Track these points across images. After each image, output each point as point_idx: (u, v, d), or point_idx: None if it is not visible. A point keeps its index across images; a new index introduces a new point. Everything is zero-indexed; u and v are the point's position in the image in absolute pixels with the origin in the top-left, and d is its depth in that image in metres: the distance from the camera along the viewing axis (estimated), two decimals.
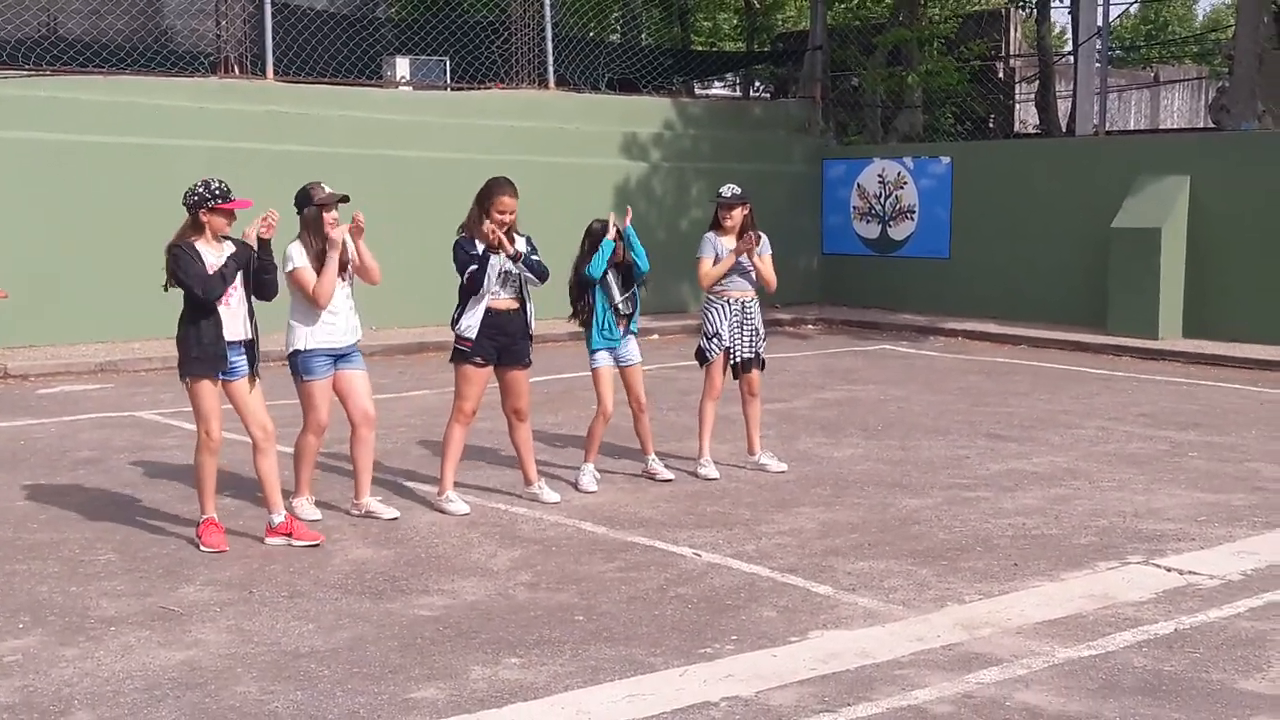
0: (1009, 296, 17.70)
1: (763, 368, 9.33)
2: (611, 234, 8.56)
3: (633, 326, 8.86)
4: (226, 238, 7.27)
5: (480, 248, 7.94)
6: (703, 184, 19.10)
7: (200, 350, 7.14)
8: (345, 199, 7.74)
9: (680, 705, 5.17)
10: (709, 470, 9.07)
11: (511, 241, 7.97)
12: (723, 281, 9.07)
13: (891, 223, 19.40)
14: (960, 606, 6.37)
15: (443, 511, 8.11)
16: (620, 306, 8.67)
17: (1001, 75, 27.09)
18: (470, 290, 7.96)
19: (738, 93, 29.35)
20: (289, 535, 7.37)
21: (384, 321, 15.20)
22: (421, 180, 16.58)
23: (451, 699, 5.22)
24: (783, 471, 9.19)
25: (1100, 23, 19.08)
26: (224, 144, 15.36)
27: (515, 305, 8.09)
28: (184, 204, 7.19)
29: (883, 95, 22.67)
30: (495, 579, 6.80)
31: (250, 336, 7.31)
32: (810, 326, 18.45)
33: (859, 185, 19.83)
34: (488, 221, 7.91)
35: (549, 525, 7.84)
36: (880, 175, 19.55)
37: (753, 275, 9.15)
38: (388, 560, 7.11)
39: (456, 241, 8.04)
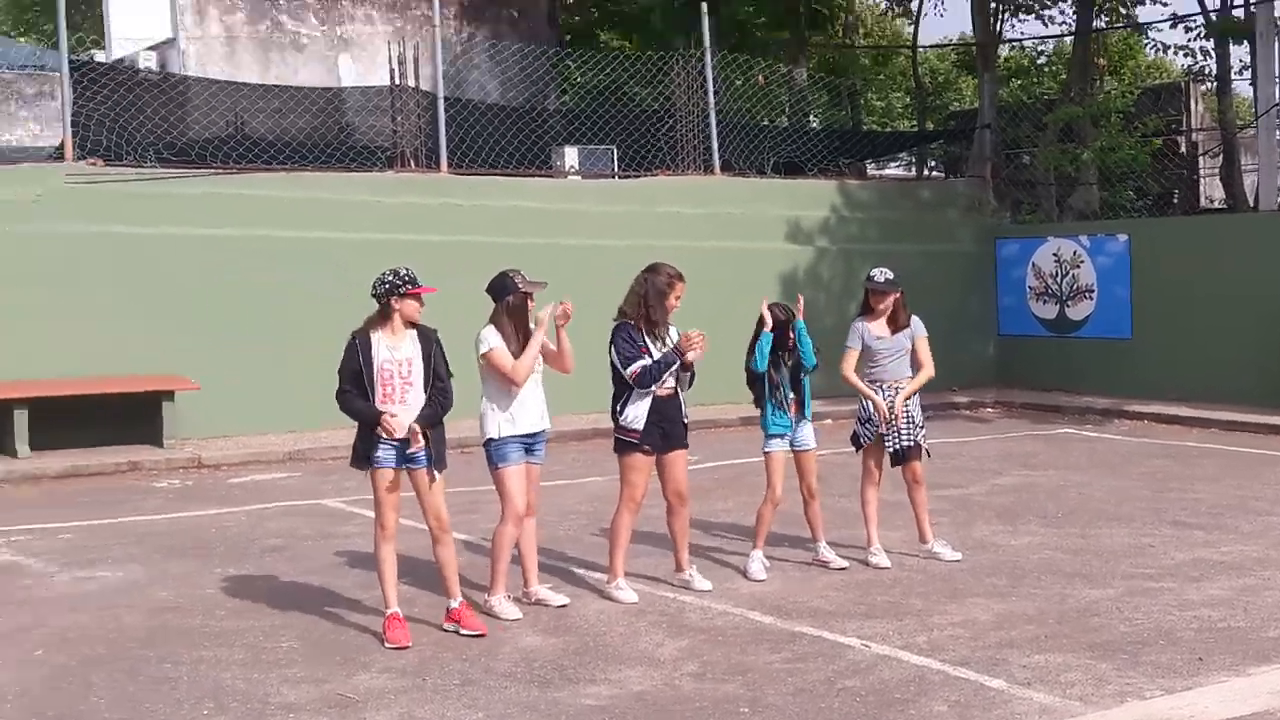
0: (1195, 377, 17.17)
1: (924, 456, 9.18)
2: (768, 326, 8.55)
3: (806, 412, 8.84)
4: (415, 325, 7.45)
5: (647, 340, 8.02)
6: (871, 266, 18.90)
7: (360, 443, 7.38)
8: (545, 286, 7.90)
9: None
10: (880, 559, 8.96)
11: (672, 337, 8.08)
12: (873, 370, 9.01)
13: (1069, 302, 19.04)
14: (1141, 702, 6.17)
15: (612, 599, 8.16)
16: (784, 397, 8.65)
17: (1183, 149, 26.53)
18: (638, 386, 8.02)
19: (911, 173, 29.30)
20: (458, 623, 7.47)
21: (555, 409, 15.37)
22: (590, 267, 16.77)
23: None
24: (957, 560, 9.03)
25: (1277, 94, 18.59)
26: (401, 236, 15.81)
27: (673, 391, 8.17)
28: (373, 295, 7.39)
29: (1055, 173, 22.37)
30: (661, 668, 6.80)
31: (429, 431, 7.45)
32: (988, 410, 18.15)
33: (1034, 264, 19.54)
34: (697, 335, 7.97)
35: (716, 614, 7.82)
36: (1056, 254, 19.24)
37: (905, 361, 9.05)
38: (556, 649, 7.16)
39: (617, 327, 8.13)
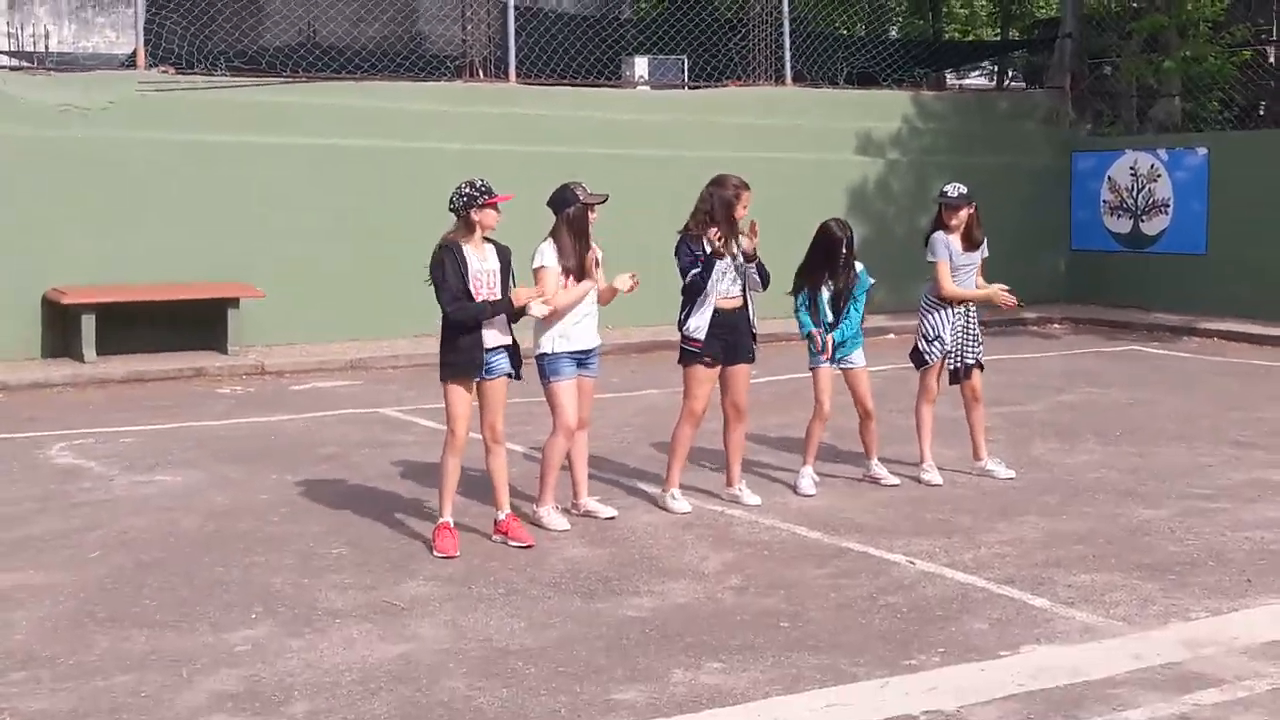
0: (1270, 295, 16.83)
1: (982, 370, 9.10)
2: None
3: (858, 339, 8.77)
4: (490, 240, 7.46)
5: (707, 248, 7.99)
6: (944, 179, 18.45)
7: (455, 355, 7.35)
8: (605, 199, 7.86)
9: (880, 717, 5.12)
10: (932, 476, 8.92)
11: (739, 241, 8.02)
12: (955, 279, 8.90)
13: (1144, 217, 18.70)
14: (1185, 624, 6.13)
15: (665, 509, 8.20)
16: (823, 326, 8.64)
17: (1273, 60, 25.79)
18: (695, 292, 8.01)
19: (992, 83, 28.75)
20: (506, 534, 7.54)
21: (620, 321, 15.38)
22: (659, 179, 16.71)
23: (651, 702, 5.28)
24: (1010, 478, 8.97)
25: None
26: (469, 146, 15.79)
27: (739, 303, 8.12)
28: (451, 208, 7.36)
29: (1138, 84, 21.84)
30: (705, 582, 6.84)
31: (510, 341, 7.50)
32: (1056, 326, 17.93)
33: (1110, 178, 19.18)
34: (747, 232, 7.93)
35: (764, 529, 7.84)
36: (1132, 168, 18.87)
37: (975, 278, 8.95)
38: (602, 560, 7.22)
39: (681, 240, 8.10)
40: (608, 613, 6.37)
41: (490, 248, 7.45)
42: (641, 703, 5.28)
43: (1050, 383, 13.12)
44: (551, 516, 7.86)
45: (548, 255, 7.73)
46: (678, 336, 8.24)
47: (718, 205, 8.01)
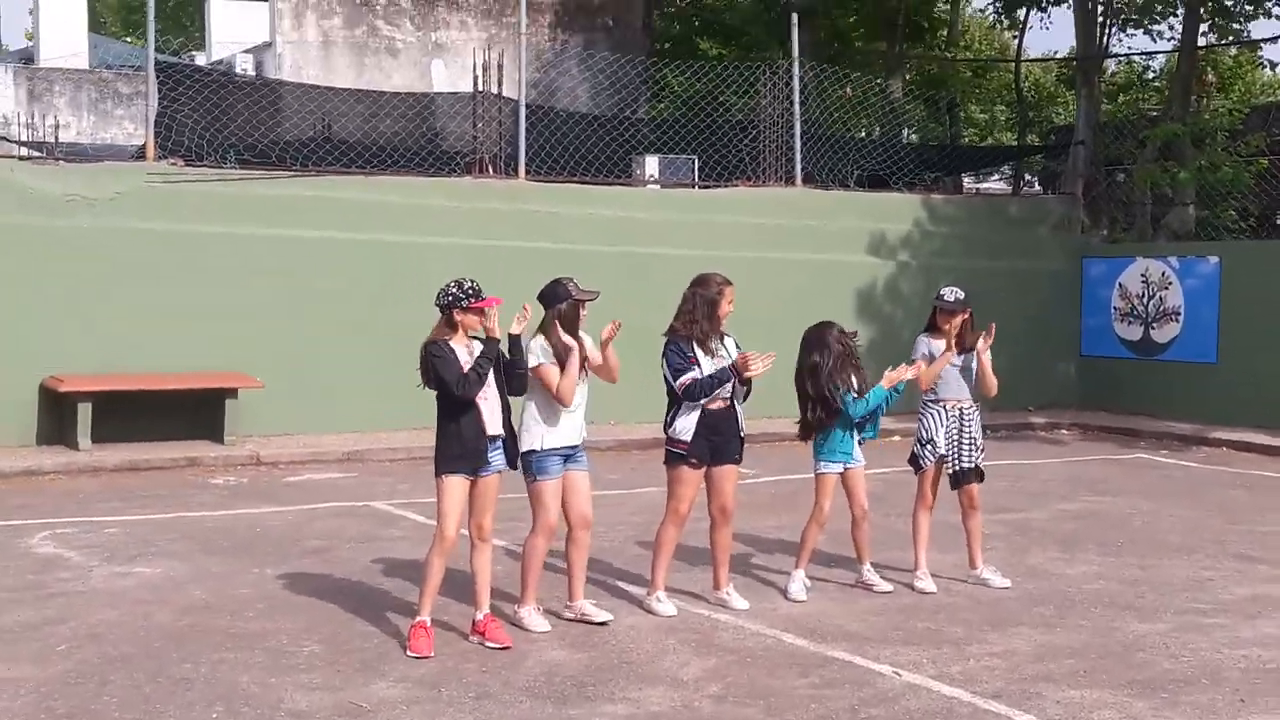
0: None
1: (981, 479, 8.93)
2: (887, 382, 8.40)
3: (872, 432, 8.64)
4: (475, 337, 7.38)
5: (698, 352, 7.90)
6: (953, 281, 18.58)
7: (462, 447, 7.23)
8: (596, 296, 7.78)
9: None
10: (925, 583, 8.73)
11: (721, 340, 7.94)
12: (938, 388, 8.78)
13: (1155, 325, 18.57)
14: None
15: (651, 612, 8.03)
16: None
17: None
18: (686, 399, 7.90)
19: (1009, 188, 28.80)
20: (483, 635, 7.37)
21: (623, 416, 15.28)
22: (667, 277, 16.57)
23: None
24: (1005, 588, 8.77)
25: None
26: (477, 241, 15.81)
27: (728, 404, 8.01)
28: (437, 304, 7.31)
29: (1153, 192, 21.84)
30: (683, 689, 6.65)
31: (504, 433, 7.38)
32: (1064, 432, 17.75)
33: (1121, 285, 19.08)
34: (762, 358, 7.79)
35: (749, 635, 7.65)
36: (1144, 275, 18.77)
37: (972, 381, 8.82)
38: (580, 664, 7.04)
39: (668, 342, 8.02)
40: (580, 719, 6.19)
41: (476, 344, 7.37)
42: None
43: (1055, 490, 12.92)
44: (533, 617, 7.68)
45: (540, 353, 7.62)
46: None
47: (700, 305, 7.95)
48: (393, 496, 11.86)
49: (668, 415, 8.02)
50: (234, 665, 6.93)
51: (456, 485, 7.25)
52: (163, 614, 7.88)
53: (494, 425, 7.28)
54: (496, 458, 7.35)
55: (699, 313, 7.94)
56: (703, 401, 7.90)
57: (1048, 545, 10.24)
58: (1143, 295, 18.76)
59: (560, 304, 7.68)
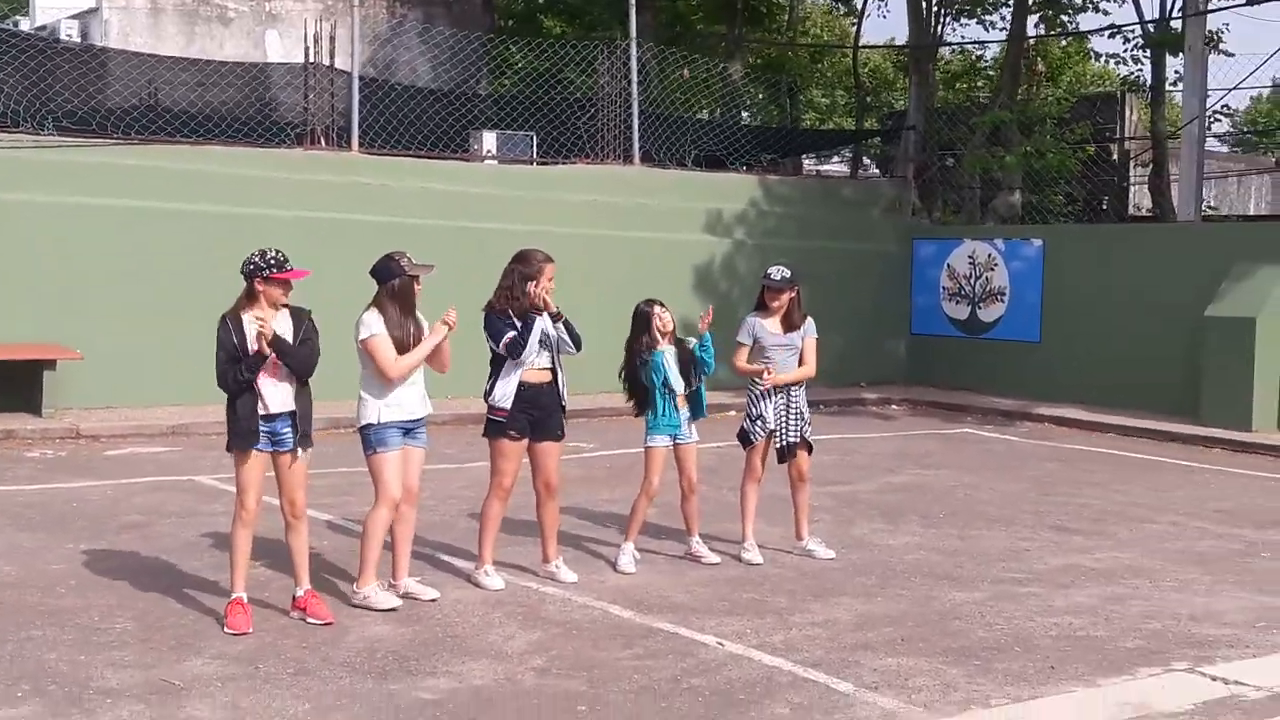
0: (1100, 383, 17.18)
1: (810, 450, 9.04)
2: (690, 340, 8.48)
3: (700, 411, 8.68)
4: (286, 306, 7.21)
5: (515, 320, 7.85)
6: (788, 261, 18.80)
7: (236, 424, 7.09)
8: (431, 269, 7.65)
9: None
10: (752, 555, 8.81)
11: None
12: (769, 361, 8.85)
13: (981, 305, 19.03)
14: (984, 710, 6.06)
15: (478, 585, 7.98)
16: (676, 392, 8.52)
17: (1116, 158, 26.60)
18: (510, 355, 7.83)
19: (847, 170, 29.22)
20: (304, 610, 7.24)
21: (458, 390, 15.15)
22: (504, 253, 16.43)
23: None
24: (830, 559, 8.90)
25: (1199, 107, 18.65)
26: (307, 214, 15.55)
27: (548, 377, 7.98)
28: (241, 272, 7.14)
29: (983, 177, 22.34)
30: (507, 662, 6.62)
31: (294, 407, 7.21)
32: (895, 407, 18.09)
33: (949, 266, 19.51)
34: (538, 283, 7.81)
35: (575, 607, 7.64)
36: (971, 256, 19.22)
37: (797, 359, 8.91)
38: (403, 639, 6.96)
39: (487, 315, 7.96)
40: (400, 694, 6.11)
41: (283, 313, 7.19)
42: None
43: (882, 463, 13.16)
44: (378, 595, 7.50)
45: (374, 324, 7.49)
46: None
47: (518, 281, 7.92)
48: (217, 471, 11.57)
49: (487, 383, 7.97)
50: (41, 643, 6.71)
51: (246, 460, 7.12)
52: None
53: (277, 403, 7.10)
54: (286, 435, 7.17)
55: (517, 289, 7.90)
56: (526, 357, 7.82)
57: (873, 517, 10.42)
58: (970, 276, 19.20)
59: (394, 280, 7.56)
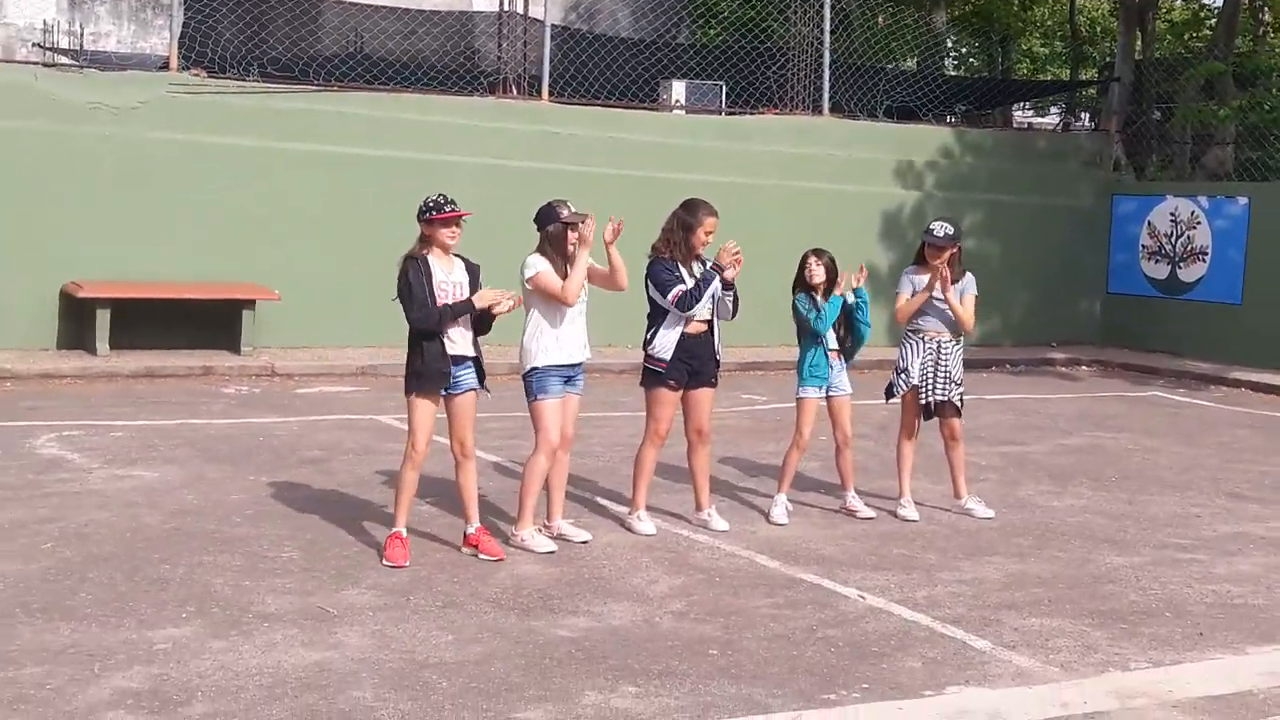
0: None
1: (958, 414, 8.92)
2: (844, 292, 8.49)
3: (849, 359, 8.69)
4: (461, 258, 7.44)
5: (681, 271, 7.95)
6: (980, 215, 18.60)
7: (423, 367, 7.32)
8: (586, 219, 7.76)
9: None
10: (908, 511, 8.78)
11: (703, 265, 7.99)
12: (917, 319, 8.79)
13: (1182, 264, 18.41)
14: (1122, 674, 5.97)
15: (632, 531, 8.14)
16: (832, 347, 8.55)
17: None
18: (680, 309, 7.93)
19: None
20: (476, 547, 7.49)
21: (637, 339, 15.34)
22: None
23: None
24: (988, 518, 8.82)
25: None
26: (496, 161, 15.85)
27: (705, 328, 8.08)
28: (417, 218, 7.40)
29: (1196, 131, 21.54)
30: (647, 605, 6.75)
31: (476, 354, 7.45)
32: (1084, 368, 17.67)
33: (1149, 223, 18.90)
34: (733, 247, 7.95)
35: (722, 555, 7.74)
36: (1173, 214, 18.59)
37: (949, 316, 8.78)
38: (550, 578, 7.15)
39: (653, 261, 8.06)
40: (540, 630, 6.30)
41: (459, 262, 7.44)
42: None
43: (1060, 424, 12.91)
44: (535, 539, 7.70)
45: (538, 263, 7.66)
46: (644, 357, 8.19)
47: (678, 228, 7.98)
48: (399, 411, 11.83)
49: (647, 333, 8.08)
50: (211, 568, 7.08)
51: (421, 404, 7.36)
52: (151, 516, 8.05)
53: (460, 347, 7.34)
54: (466, 376, 7.40)
55: (676, 235, 7.99)
56: (693, 312, 7.93)
57: (1041, 478, 10.26)
58: (1171, 234, 18.58)
59: (549, 225, 7.73)
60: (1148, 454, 11.46)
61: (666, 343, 8.01)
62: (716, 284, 8.00)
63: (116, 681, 5.44)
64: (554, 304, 7.62)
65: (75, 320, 13.99)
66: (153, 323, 14.04)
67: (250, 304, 14.23)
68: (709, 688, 5.62)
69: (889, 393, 8.95)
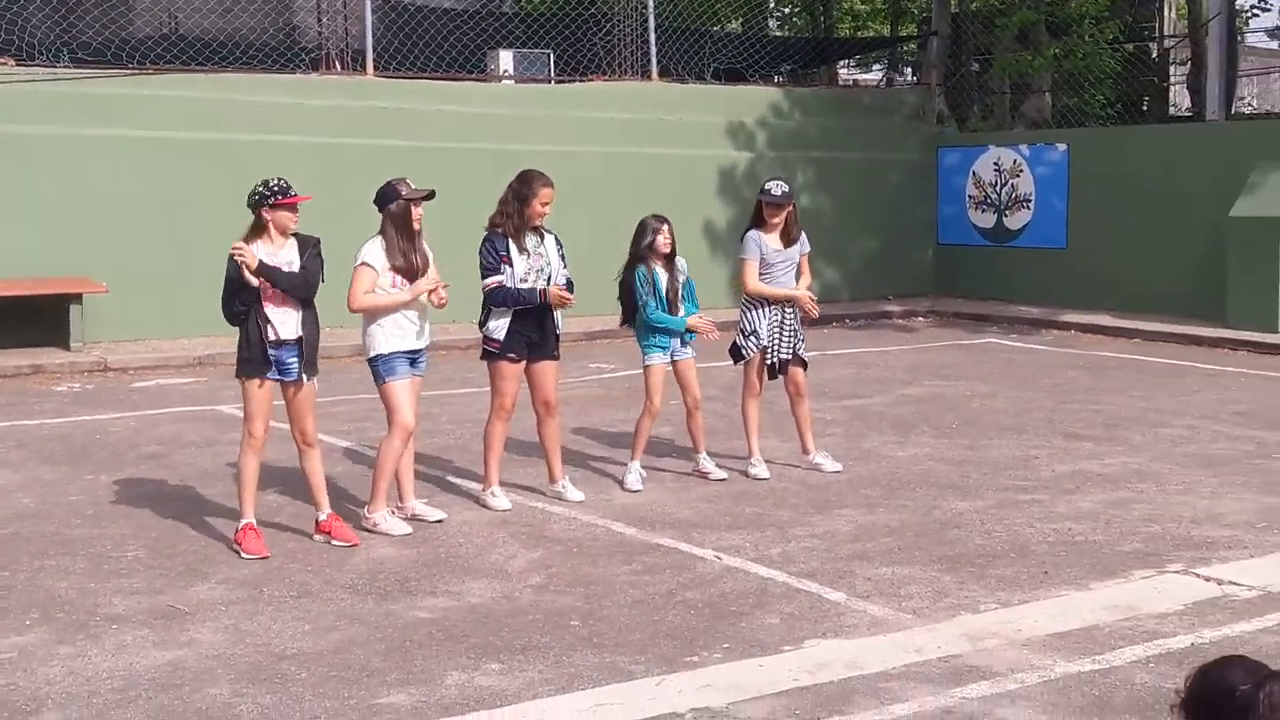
0: (1127, 288, 17.07)
1: (804, 367, 9.06)
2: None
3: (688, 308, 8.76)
4: (295, 234, 7.29)
5: (512, 249, 7.90)
6: (811, 172, 18.85)
7: (248, 351, 7.20)
8: (431, 195, 7.71)
9: (646, 716, 5.05)
10: (759, 470, 8.88)
11: (540, 238, 7.98)
12: (771, 276, 8.86)
13: (1007, 212, 18.89)
14: (973, 616, 6.13)
15: (486, 507, 8.10)
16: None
17: (1155, 57, 26.15)
18: (491, 302, 7.99)
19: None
20: (329, 534, 7.38)
21: (475, 315, 15.24)
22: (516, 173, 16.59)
23: (417, 705, 5.16)
24: (837, 471, 8.96)
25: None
26: (324, 140, 15.59)
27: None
28: (247, 204, 7.23)
29: (1013, 81, 22.05)
30: (506, 581, 6.74)
31: (301, 334, 7.30)
32: (920, 319, 18.05)
33: (974, 173, 19.35)
34: (566, 296, 8.00)
35: (579, 525, 7.75)
36: (996, 163, 19.05)
37: (794, 273, 8.92)
38: (407, 561, 7.09)
39: (486, 237, 8.01)
40: (398, 614, 6.24)
41: (291, 242, 7.28)
42: (407, 706, 5.16)
43: (899, 376, 13.17)
44: (390, 521, 7.62)
45: (370, 253, 7.58)
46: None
47: (513, 200, 7.96)
48: (239, 401, 11.65)
49: (481, 314, 8.07)
50: (54, 572, 6.87)
51: (252, 387, 7.25)
52: None
53: (285, 330, 7.20)
54: (292, 364, 7.27)
55: (511, 207, 7.96)
56: (505, 307, 7.95)
57: (884, 429, 10.46)
58: (995, 183, 19.05)
59: (391, 204, 7.62)
60: (985, 400, 11.76)
61: (500, 322, 8.01)
62: (551, 255, 8.02)
63: None
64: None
65: None
66: None
67: (77, 298, 13.81)
68: (572, 659, 5.63)
69: (736, 355, 9.03)
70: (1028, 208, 18.59)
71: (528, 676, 5.44)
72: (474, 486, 8.52)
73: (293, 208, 7.19)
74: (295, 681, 5.40)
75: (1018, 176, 18.72)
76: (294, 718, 5.06)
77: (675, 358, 8.69)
